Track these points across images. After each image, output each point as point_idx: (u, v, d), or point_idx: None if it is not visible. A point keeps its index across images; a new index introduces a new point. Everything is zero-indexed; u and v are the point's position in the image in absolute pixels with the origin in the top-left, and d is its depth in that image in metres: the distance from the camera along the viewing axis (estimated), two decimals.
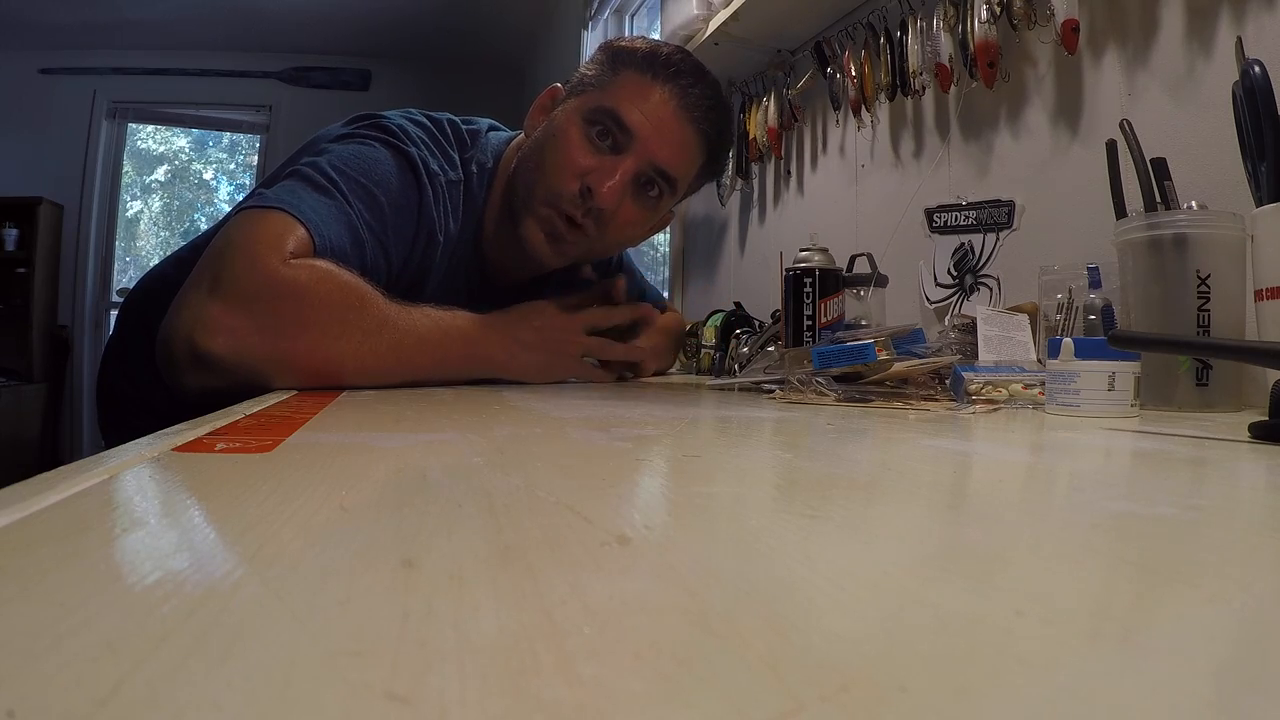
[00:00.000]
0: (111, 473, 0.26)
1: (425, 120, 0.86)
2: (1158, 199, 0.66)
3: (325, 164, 0.74)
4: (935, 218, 1.14)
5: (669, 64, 0.85)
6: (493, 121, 0.96)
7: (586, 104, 0.85)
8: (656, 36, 1.78)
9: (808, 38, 1.44)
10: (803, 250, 0.93)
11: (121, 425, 0.93)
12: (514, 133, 0.95)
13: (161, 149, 4.57)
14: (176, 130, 4.55)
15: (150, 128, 4.49)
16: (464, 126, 0.89)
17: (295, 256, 0.66)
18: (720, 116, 0.91)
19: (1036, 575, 0.18)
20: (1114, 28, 0.89)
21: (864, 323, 0.99)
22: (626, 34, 2.65)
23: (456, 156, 0.86)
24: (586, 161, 0.83)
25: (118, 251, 4.26)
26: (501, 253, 0.91)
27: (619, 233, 0.90)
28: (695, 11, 1.50)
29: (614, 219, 0.86)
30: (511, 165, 0.89)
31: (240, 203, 0.75)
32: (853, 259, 1.05)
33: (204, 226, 0.93)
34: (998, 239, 1.05)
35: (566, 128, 0.85)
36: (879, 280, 1.02)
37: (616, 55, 0.87)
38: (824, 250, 0.93)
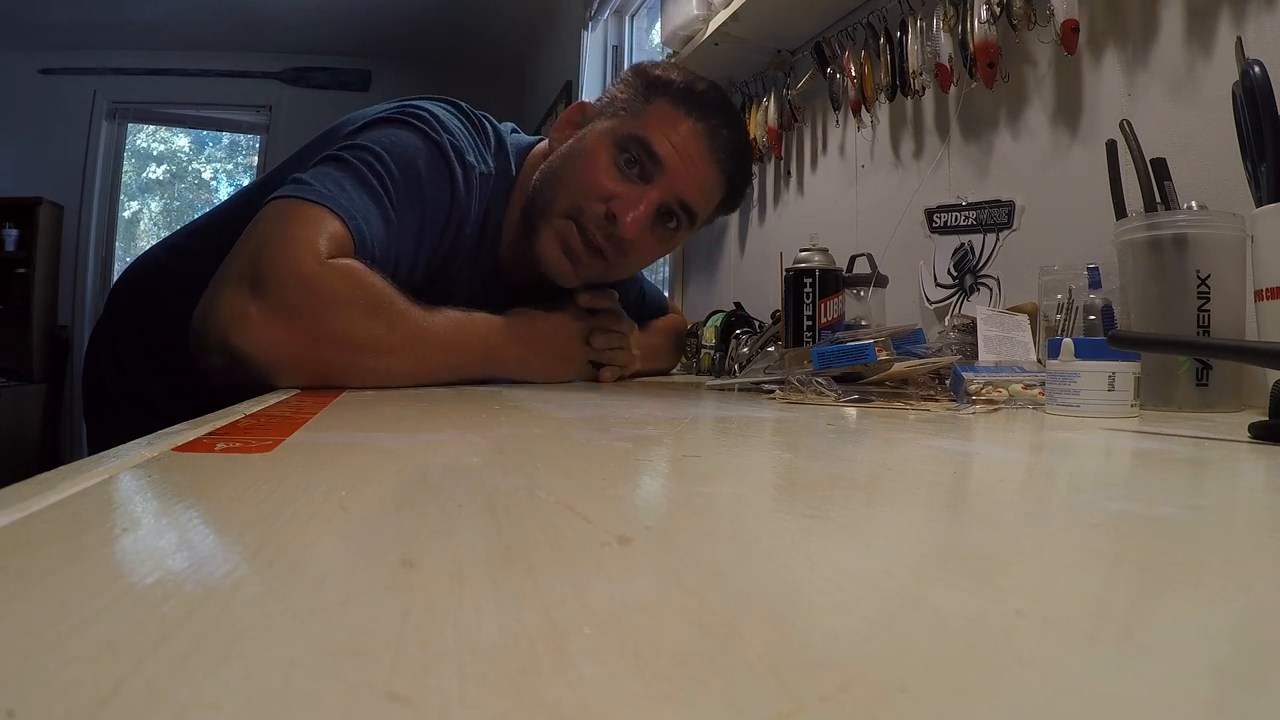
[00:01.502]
0: (111, 473, 0.26)
1: (458, 114, 0.86)
2: (1158, 199, 0.66)
3: (366, 152, 0.74)
4: (935, 218, 1.14)
5: (703, 101, 0.86)
6: (514, 125, 0.96)
7: (618, 129, 0.85)
8: (657, 39, 1.78)
9: (808, 38, 1.44)
10: (803, 250, 0.93)
11: (108, 411, 0.93)
12: (533, 138, 0.95)
13: (161, 148, 4.57)
14: (176, 130, 4.55)
15: (150, 127, 4.49)
16: (491, 128, 0.90)
17: (331, 255, 0.66)
18: (744, 159, 0.93)
19: (1036, 575, 0.18)
20: (1114, 28, 0.89)
21: (864, 323, 0.99)
22: (627, 34, 2.65)
23: (489, 152, 0.86)
24: (613, 186, 0.84)
25: (118, 251, 4.26)
26: (514, 257, 0.92)
27: (634, 261, 0.91)
28: (695, 11, 1.50)
29: (633, 248, 0.87)
30: (534, 175, 0.89)
31: (274, 184, 0.74)
32: (853, 259, 1.05)
33: None
34: (998, 239, 1.05)
35: (595, 150, 0.85)
36: (879, 280, 1.02)
37: (651, 84, 0.87)
38: (824, 250, 0.93)
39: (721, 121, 0.87)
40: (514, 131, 0.94)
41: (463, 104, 0.88)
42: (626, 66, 1.87)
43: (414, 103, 0.82)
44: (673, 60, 1.51)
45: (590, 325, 0.91)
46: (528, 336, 0.84)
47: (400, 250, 0.76)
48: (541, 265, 0.87)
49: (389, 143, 0.76)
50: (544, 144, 0.92)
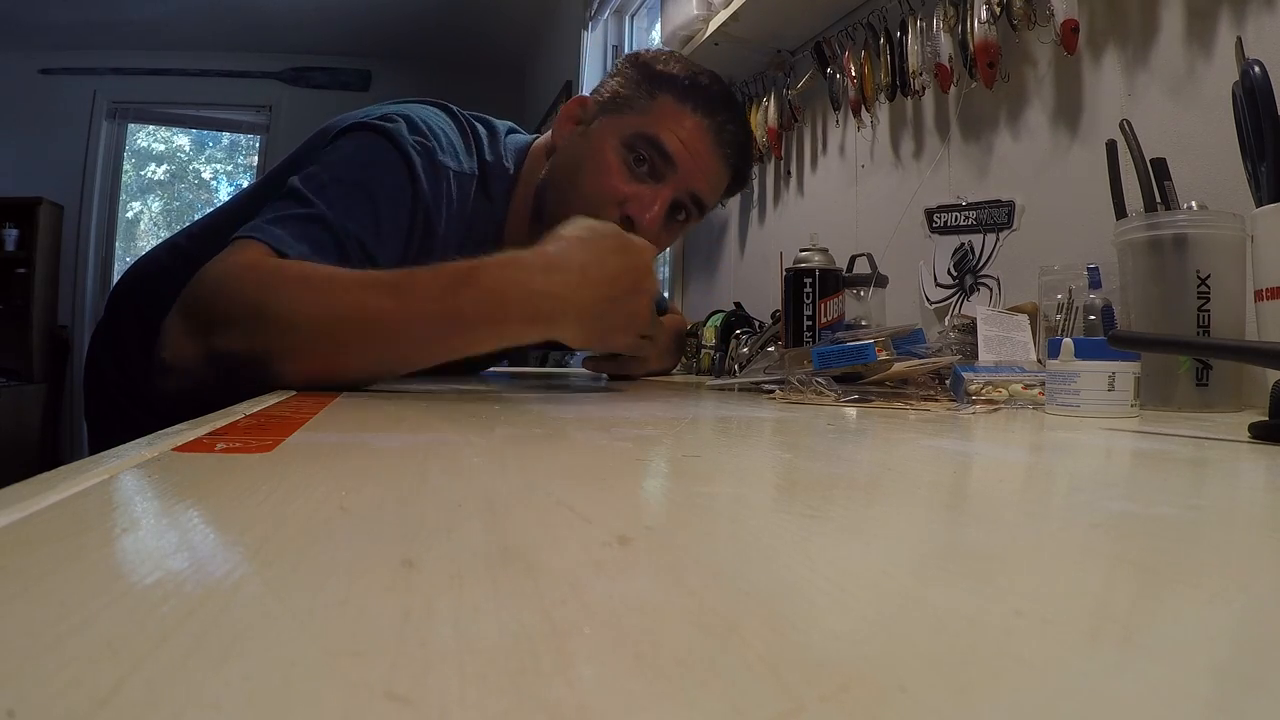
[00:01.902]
0: (111, 473, 0.26)
1: (444, 115, 0.86)
2: (1158, 199, 0.66)
3: (319, 169, 0.73)
4: (935, 218, 1.14)
5: (708, 95, 0.87)
6: (511, 125, 0.96)
7: (625, 127, 0.85)
8: (657, 39, 1.78)
9: (808, 38, 1.44)
10: (803, 250, 0.93)
11: (108, 411, 0.93)
12: (532, 136, 0.95)
13: (161, 148, 4.58)
14: (176, 130, 4.55)
15: (150, 127, 4.49)
16: (484, 129, 0.89)
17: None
18: (748, 150, 0.93)
19: (1036, 575, 0.18)
20: (1114, 28, 0.89)
21: (864, 323, 0.99)
22: (627, 34, 2.65)
23: (474, 153, 0.86)
24: (626, 188, 0.84)
25: (118, 252, 4.26)
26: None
27: None
28: (695, 11, 1.50)
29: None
30: (540, 174, 0.89)
31: (263, 191, 0.74)
32: (853, 259, 1.05)
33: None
34: (998, 239, 1.05)
35: (604, 151, 0.85)
36: (879, 280, 1.02)
37: (654, 78, 0.87)
38: (824, 250, 0.93)
39: (727, 117, 0.88)
40: (512, 132, 0.94)
41: (453, 107, 0.88)
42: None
43: (391, 108, 0.82)
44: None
45: (659, 289, 0.85)
46: (588, 274, 0.63)
47: (355, 246, 0.71)
48: None
49: (347, 151, 0.75)
50: (544, 138, 0.92)
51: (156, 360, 0.63)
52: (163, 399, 0.63)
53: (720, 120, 0.87)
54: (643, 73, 0.88)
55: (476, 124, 0.89)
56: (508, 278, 0.62)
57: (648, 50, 0.92)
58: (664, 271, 2.22)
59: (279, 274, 0.62)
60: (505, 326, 0.62)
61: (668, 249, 2.13)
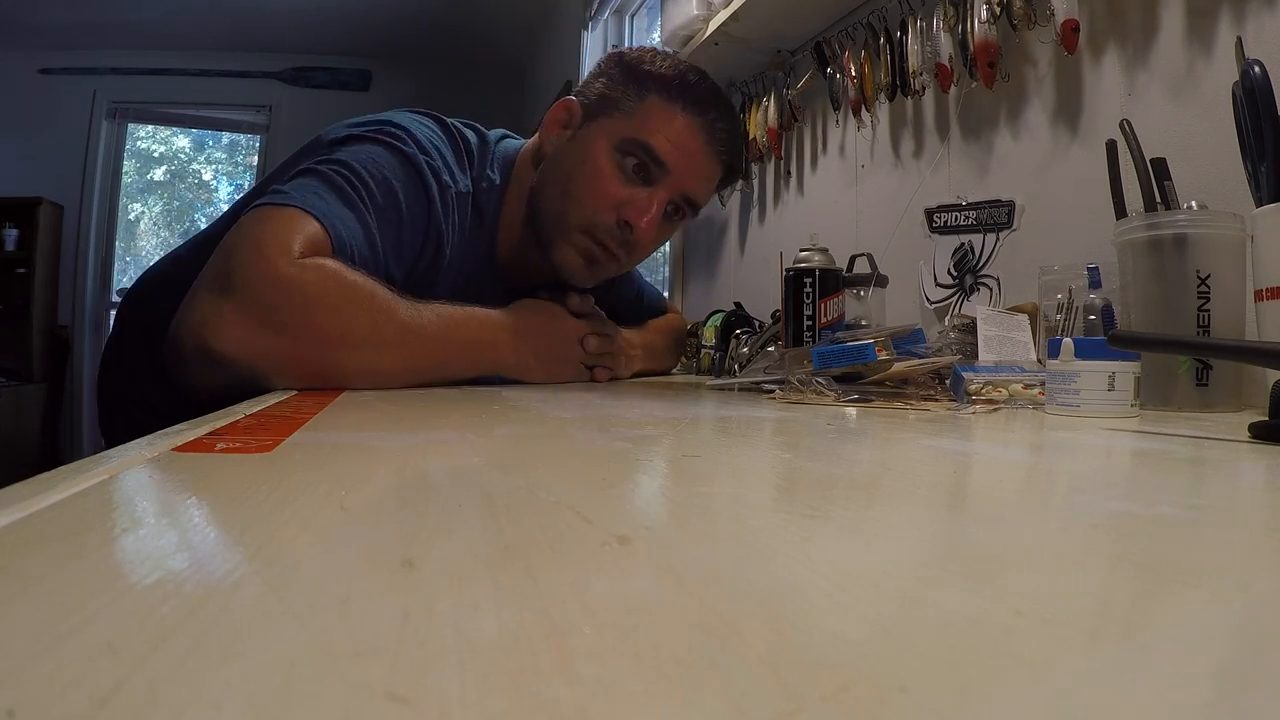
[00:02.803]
0: (111, 473, 0.26)
1: (437, 127, 0.85)
2: (1158, 199, 0.66)
3: (342, 166, 0.73)
4: (935, 218, 1.14)
5: (696, 93, 0.86)
6: (505, 131, 0.95)
7: (615, 132, 0.85)
8: (657, 39, 1.78)
9: (808, 38, 1.44)
10: (803, 250, 0.93)
11: (121, 424, 0.92)
12: (520, 143, 0.94)
13: (161, 149, 4.57)
14: (176, 130, 4.54)
15: (150, 127, 4.49)
16: (475, 138, 0.89)
17: (305, 255, 0.65)
18: (739, 145, 0.94)
19: (1036, 575, 0.18)
20: (1114, 28, 0.89)
21: (864, 323, 0.99)
22: (627, 34, 2.65)
23: (467, 168, 0.85)
24: (621, 193, 0.84)
25: (118, 252, 4.26)
26: (516, 264, 0.92)
27: (643, 254, 0.94)
28: (695, 11, 1.50)
29: (646, 246, 0.90)
30: (530, 180, 0.89)
31: (255, 198, 0.73)
32: (853, 259, 1.05)
33: (204, 226, 0.92)
34: (998, 239, 1.05)
35: (596, 156, 0.85)
36: (879, 280, 1.02)
37: (642, 78, 0.86)
38: (824, 250, 0.93)
39: (717, 114, 0.88)
40: (504, 139, 0.93)
41: (444, 117, 0.87)
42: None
43: (391, 120, 0.81)
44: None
45: (586, 328, 0.90)
46: (526, 337, 0.83)
47: (382, 259, 0.74)
48: (561, 274, 0.89)
49: (365, 158, 0.74)
50: (531, 143, 0.91)
51: (201, 350, 0.62)
52: (202, 391, 0.63)
53: (710, 118, 0.86)
54: (629, 73, 0.87)
55: (467, 133, 0.88)
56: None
57: (632, 49, 0.91)
58: (664, 271, 2.22)
59: (370, 311, 0.68)
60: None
61: (666, 246, 2.13)
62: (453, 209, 0.81)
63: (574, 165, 0.86)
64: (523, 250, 0.90)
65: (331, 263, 0.67)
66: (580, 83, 0.92)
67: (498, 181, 0.88)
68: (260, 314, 0.62)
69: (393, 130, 0.79)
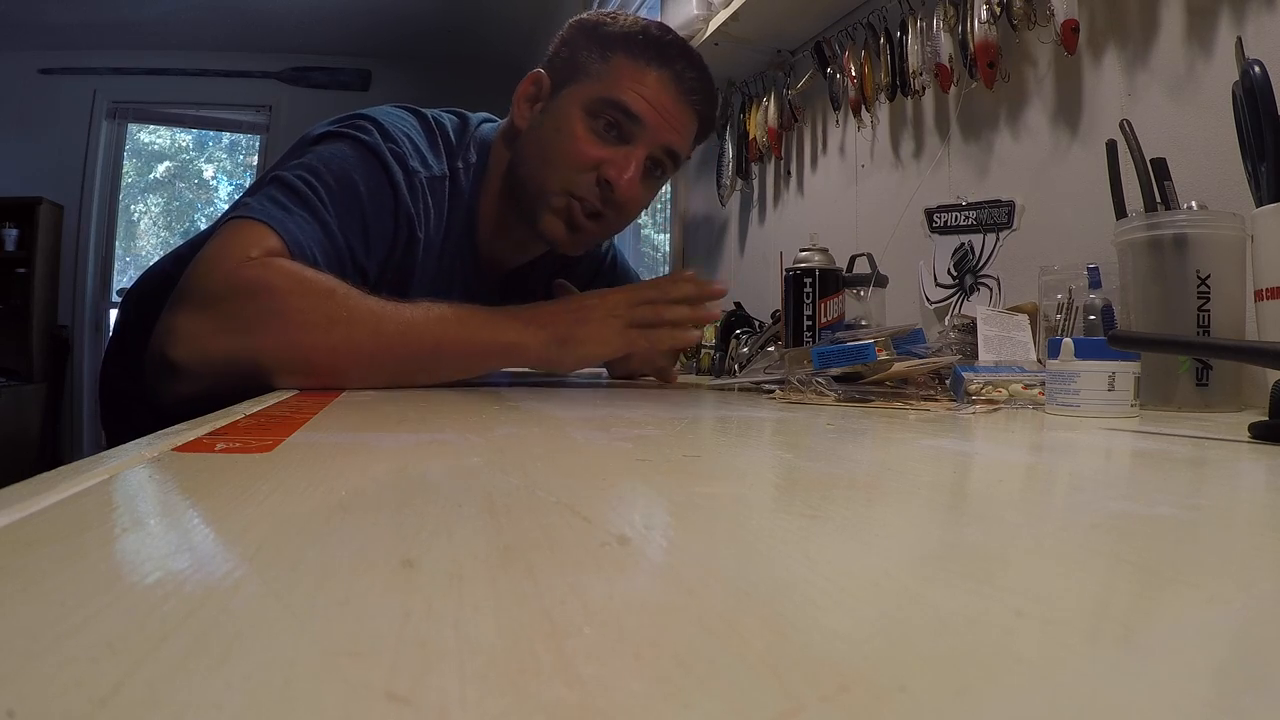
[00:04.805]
0: (111, 473, 0.26)
1: (412, 117, 0.85)
2: (1158, 199, 0.66)
3: (304, 168, 0.74)
4: (935, 218, 1.14)
5: (661, 47, 0.86)
6: (487, 115, 0.95)
7: (586, 95, 0.85)
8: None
9: (808, 38, 1.44)
10: (803, 250, 0.93)
11: (124, 422, 0.93)
12: (496, 123, 0.94)
13: (162, 146, 4.57)
14: (177, 130, 4.54)
15: (150, 127, 4.48)
16: (454, 123, 0.89)
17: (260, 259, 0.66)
18: (710, 90, 0.92)
19: (1036, 575, 0.18)
20: (1114, 28, 0.89)
21: (864, 323, 0.99)
22: None
23: (443, 153, 0.85)
24: (598, 153, 0.84)
25: (118, 251, 4.26)
26: (498, 244, 0.92)
27: (630, 214, 0.92)
28: (695, 11, 1.50)
29: (630, 204, 0.88)
30: (506, 158, 0.89)
31: (224, 214, 0.75)
32: (853, 259, 1.05)
33: (203, 226, 0.92)
34: (998, 239, 1.05)
35: (570, 122, 0.84)
36: (879, 280, 1.02)
37: (605, 40, 0.86)
38: (824, 250, 0.93)
39: (685, 65, 0.87)
40: (484, 122, 0.93)
41: (422, 109, 0.88)
42: None
43: (362, 113, 0.82)
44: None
45: (624, 296, 0.81)
46: (539, 323, 0.76)
47: (348, 257, 0.74)
48: (547, 241, 0.88)
49: (328, 156, 0.75)
50: (504, 123, 0.91)
51: (160, 361, 0.63)
52: (169, 402, 0.63)
53: (679, 69, 0.86)
54: (592, 36, 0.87)
55: (444, 119, 0.89)
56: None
57: (590, 14, 0.91)
58: (664, 271, 2.22)
59: (330, 297, 0.66)
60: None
61: (666, 246, 2.14)
62: (423, 193, 0.81)
63: (549, 134, 0.86)
64: (505, 229, 0.90)
65: (286, 261, 0.67)
66: (546, 57, 0.91)
67: (474, 161, 0.88)
68: (211, 315, 0.63)
69: (359, 123, 0.80)
